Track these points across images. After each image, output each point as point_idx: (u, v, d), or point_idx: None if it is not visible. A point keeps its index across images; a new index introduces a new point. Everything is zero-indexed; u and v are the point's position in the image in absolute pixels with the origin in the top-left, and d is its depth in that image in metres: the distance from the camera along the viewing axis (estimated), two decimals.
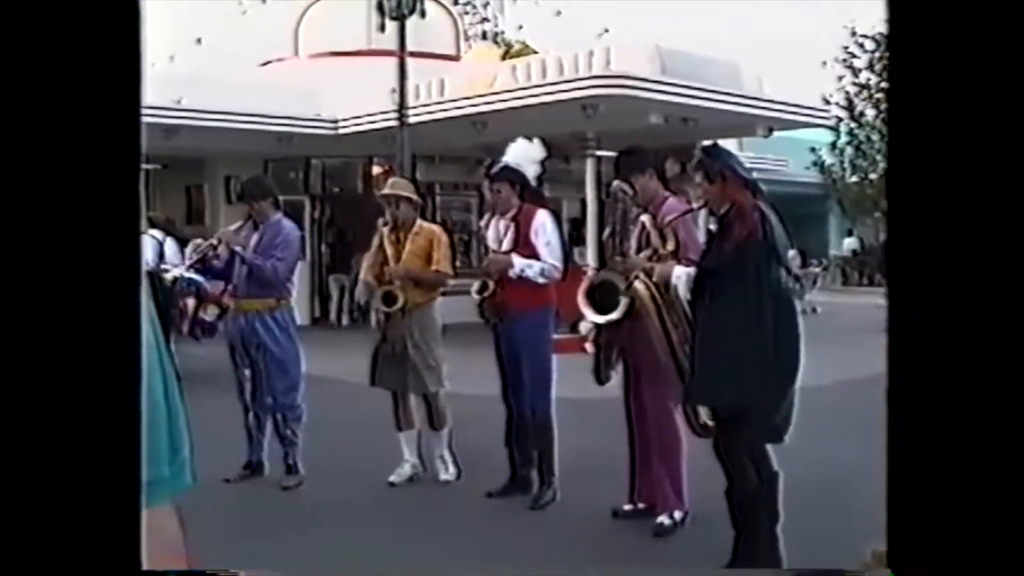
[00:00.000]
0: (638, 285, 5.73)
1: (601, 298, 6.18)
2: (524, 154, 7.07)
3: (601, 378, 6.45)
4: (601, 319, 6.23)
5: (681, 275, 5.45)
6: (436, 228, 7.64)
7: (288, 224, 7.59)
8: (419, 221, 7.52)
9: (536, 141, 7.14)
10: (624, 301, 6.04)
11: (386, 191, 7.70)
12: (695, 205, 5.88)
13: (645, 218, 5.86)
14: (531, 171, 7.03)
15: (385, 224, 7.49)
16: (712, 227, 5.68)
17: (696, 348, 5.38)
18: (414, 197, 7.55)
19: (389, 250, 7.38)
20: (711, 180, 5.34)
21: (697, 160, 5.50)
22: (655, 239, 5.73)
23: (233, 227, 7.80)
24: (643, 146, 6.79)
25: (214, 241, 7.50)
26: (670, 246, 5.72)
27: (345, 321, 20.06)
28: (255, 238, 7.47)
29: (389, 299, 7.26)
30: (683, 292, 5.47)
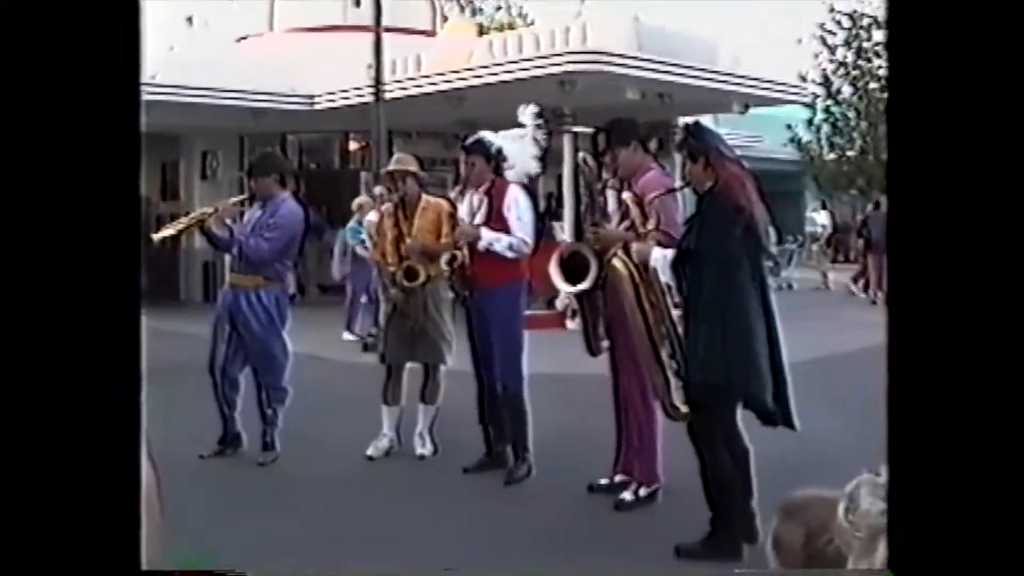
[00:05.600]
0: (615, 262, 5.70)
1: (573, 268, 6.20)
2: (515, 148, 7.05)
3: (592, 349, 6.45)
4: (571, 289, 6.26)
5: (659, 257, 5.43)
6: (443, 202, 7.56)
7: (290, 206, 7.45)
8: (424, 196, 7.51)
9: (527, 130, 7.11)
10: (593, 272, 6.06)
11: (392, 167, 7.69)
12: (679, 183, 5.87)
13: (627, 195, 5.85)
14: (533, 165, 7.05)
15: (389, 201, 7.47)
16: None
17: (686, 327, 5.40)
18: (419, 172, 7.54)
19: (402, 227, 7.37)
20: (694, 159, 5.34)
21: (680, 139, 5.51)
22: (636, 215, 5.72)
23: (235, 199, 7.86)
24: (629, 118, 6.78)
25: (209, 210, 7.45)
26: (651, 224, 5.70)
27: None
28: (257, 214, 7.44)
29: (411, 274, 7.25)
30: (663, 274, 5.46)
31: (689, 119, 6.25)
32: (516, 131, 7.11)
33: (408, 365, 7.59)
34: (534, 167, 7.09)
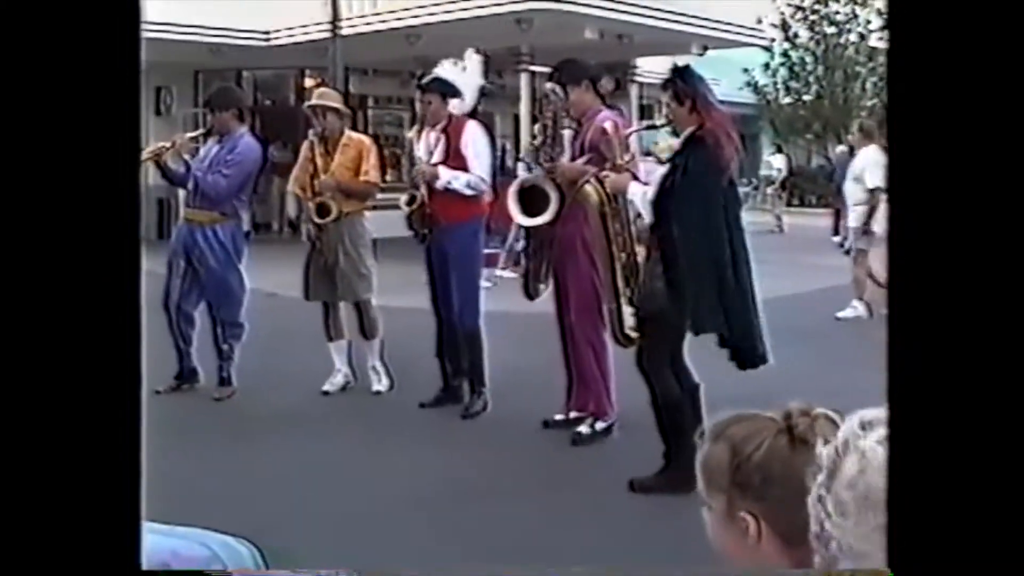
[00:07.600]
0: (587, 188, 5.75)
1: (530, 201, 6.24)
2: (460, 78, 7.04)
3: (531, 292, 6.52)
4: (528, 221, 6.31)
5: (638, 191, 5.51)
6: (365, 139, 7.61)
7: (247, 141, 7.43)
8: (347, 132, 7.50)
9: (472, 64, 7.10)
10: (553, 205, 6.10)
11: (313, 102, 7.65)
12: (659, 121, 5.91)
13: (608, 125, 5.88)
14: (470, 96, 7.03)
15: (314, 136, 7.44)
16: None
17: (648, 259, 5.49)
18: (342, 108, 7.51)
19: (319, 162, 7.33)
20: (680, 101, 5.39)
21: (666, 80, 5.54)
22: (616, 147, 5.75)
23: (191, 134, 7.84)
24: (580, 59, 6.81)
25: (167, 144, 7.40)
26: (627, 157, 5.75)
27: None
28: (214, 149, 7.38)
29: (322, 211, 7.24)
30: (642, 208, 5.54)
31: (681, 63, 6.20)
32: (457, 63, 7.10)
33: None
34: (468, 101, 7.08)
